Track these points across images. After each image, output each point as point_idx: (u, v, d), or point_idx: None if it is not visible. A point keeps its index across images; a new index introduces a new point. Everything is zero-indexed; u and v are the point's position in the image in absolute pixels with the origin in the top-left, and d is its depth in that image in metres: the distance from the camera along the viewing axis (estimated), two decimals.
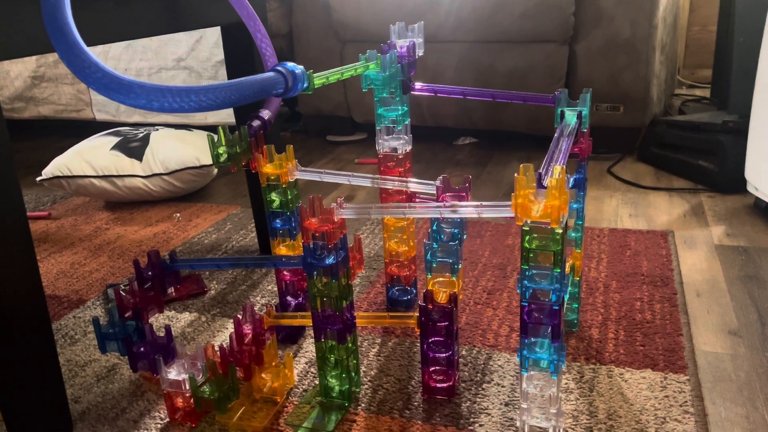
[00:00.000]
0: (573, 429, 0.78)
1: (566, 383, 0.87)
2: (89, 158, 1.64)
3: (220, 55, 2.12)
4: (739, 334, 0.97)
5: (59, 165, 1.64)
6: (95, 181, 1.62)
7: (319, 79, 0.78)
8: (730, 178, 1.56)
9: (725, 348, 0.94)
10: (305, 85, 0.73)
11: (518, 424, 0.79)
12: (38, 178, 1.66)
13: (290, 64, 0.72)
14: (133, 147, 1.67)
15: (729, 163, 1.56)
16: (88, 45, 0.64)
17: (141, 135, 1.72)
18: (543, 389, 0.74)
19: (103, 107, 2.34)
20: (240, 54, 1.23)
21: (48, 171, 1.65)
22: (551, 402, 0.74)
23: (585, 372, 0.89)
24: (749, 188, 1.43)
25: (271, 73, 0.69)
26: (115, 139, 1.70)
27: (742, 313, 1.03)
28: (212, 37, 2.12)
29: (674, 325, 0.99)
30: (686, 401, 0.82)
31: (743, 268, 1.18)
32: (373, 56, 0.94)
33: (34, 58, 2.34)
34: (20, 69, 2.38)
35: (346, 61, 2.15)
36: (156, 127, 1.80)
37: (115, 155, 1.64)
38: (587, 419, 0.79)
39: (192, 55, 2.16)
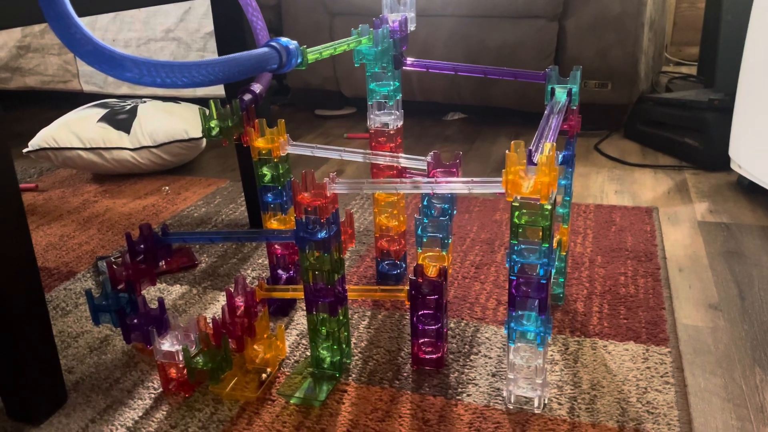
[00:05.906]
0: (557, 399, 0.80)
1: (552, 355, 0.89)
2: (76, 130, 1.62)
3: (209, 26, 2.10)
4: (719, 308, 1.00)
5: (46, 137, 1.63)
6: (82, 153, 1.61)
7: (313, 54, 0.78)
8: (714, 156, 1.58)
9: (705, 321, 0.97)
10: (299, 61, 0.74)
11: (505, 394, 0.81)
12: (25, 150, 1.65)
13: (284, 40, 0.72)
14: (121, 119, 1.65)
15: (714, 141, 1.58)
16: (78, 16, 0.64)
17: (128, 107, 1.71)
18: (529, 360, 0.76)
19: (90, 78, 2.32)
20: (230, 26, 1.22)
21: (34, 143, 1.63)
22: (537, 373, 0.77)
23: (570, 344, 0.91)
24: (733, 166, 1.45)
25: (265, 49, 0.69)
26: (102, 111, 1.69)
27: (722, 287, 1.06)
28: (201, 8, 2.10)
29: (657, 299, 1.02)
30: (667, 372, 0.84)
31: (725, 244, 1.21)
32: (366, 31, 0.94)
33: (19, 27, 2.30)
34: (5, 39, 2.34)
35: (335, 34, 2.14)
36: (144, 100, 1.79)
37: (103, 127, 1.63)
38: (571, 389, 0.82)
39: (181, 26, 2.14)
